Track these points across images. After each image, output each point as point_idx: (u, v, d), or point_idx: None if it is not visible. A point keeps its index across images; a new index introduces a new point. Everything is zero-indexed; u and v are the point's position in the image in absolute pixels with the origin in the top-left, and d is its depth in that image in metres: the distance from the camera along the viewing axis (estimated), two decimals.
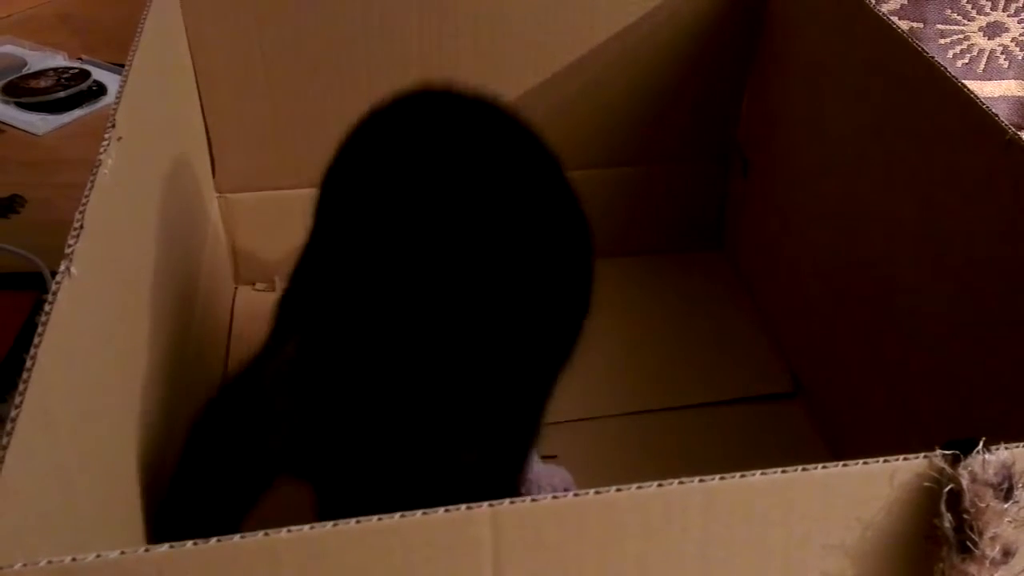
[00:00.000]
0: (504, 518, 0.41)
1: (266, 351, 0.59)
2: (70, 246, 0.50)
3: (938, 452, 0.44)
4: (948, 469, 0.43)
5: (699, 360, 0.94)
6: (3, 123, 1.30)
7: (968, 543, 0.43)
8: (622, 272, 1.06)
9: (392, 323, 0.55)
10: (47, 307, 0.47)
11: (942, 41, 1.15)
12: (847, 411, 0.83)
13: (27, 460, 0.42)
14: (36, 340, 0.45)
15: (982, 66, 1.18)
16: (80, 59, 1.44)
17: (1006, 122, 0.60)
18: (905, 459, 0.44)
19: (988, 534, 0.43)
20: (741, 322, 1.00)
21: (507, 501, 0.41)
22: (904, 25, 1.13)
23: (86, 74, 1.38)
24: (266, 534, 0.39)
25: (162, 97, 0.78)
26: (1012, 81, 1.19)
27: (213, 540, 0.39)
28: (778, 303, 0.98)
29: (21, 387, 0.43)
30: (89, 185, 0.54)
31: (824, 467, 0.43)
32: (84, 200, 0.53)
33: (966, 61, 1.17)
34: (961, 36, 1.15)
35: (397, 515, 0.40)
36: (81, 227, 0.51)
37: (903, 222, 0.73)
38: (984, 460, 0.43)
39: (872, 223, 0.78)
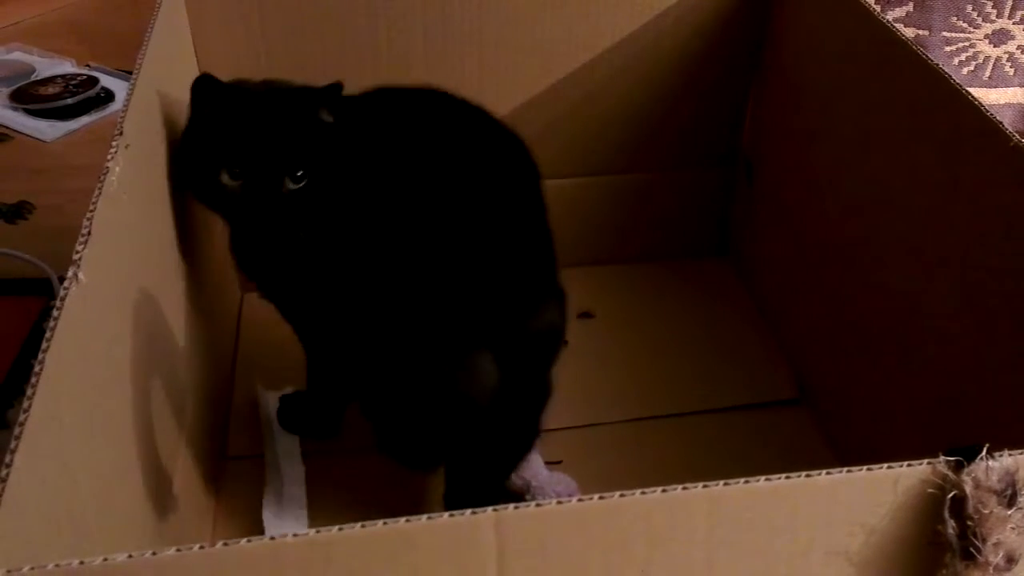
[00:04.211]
0: (508, 523, 0.41)
1: None
2: (78, 252, 0.51)
3: (941, 458, 0.44)
4: (952, 475, 0.43)
5: (704, 366, 0.94)
6: (11, 129, 1.31)
7: (972, 549, 0.43)
8: (627, 279, 1.06)
9: None
10: (55, 313, 0.47)
11: (948, 48, 1.15)
12: (852, 417, 0.83)
13: (35, 464, 0.43)
14: (44, 346, 0.45)
15: (988, 73, 1.18)
16: (88, 66, 1.44)
17: (1010, 128, 0.61)
18: (909, 465, 0.44)
19: (992, 540, 0.43)
20: (746, 328, 1.00)
21: (511, 506, 0.41)
22: (910, 32, 1.13)
23: (94, 81, 1.38)
24: (272, 538, 0.39)
25: (169, 104, 0.79)
26: (1018, 88, 1.19)
27: (219, 544, 0.39)
28: (783, 310, 0.98)
29: (29, 392, 0.43)
30: (96, 192, 0.55)
31: (828, 473, 0.43)
32: (92, 207, 0.54)
33: (972, 68, 1.17)
34: (967, 44, 1.15)
35: (402, 519, 0.40)
36: (89, 234, 0.52)
37: (908, 228, 0.73)
38: (987, 467, 0.43)
39: (876, 229, 0.78)
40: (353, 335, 0.72)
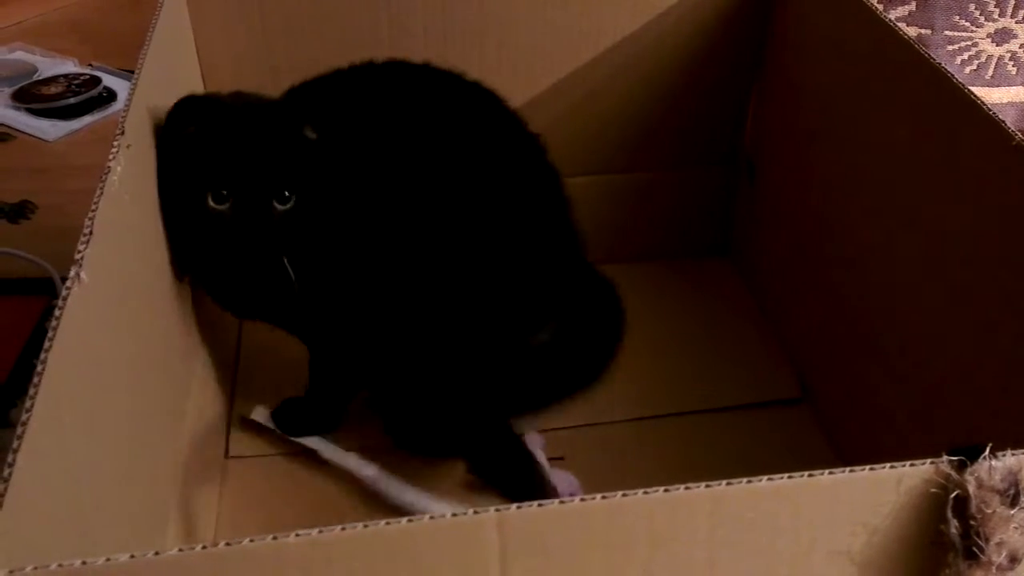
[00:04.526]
0: (511, 522, 0.41)
1: None
2: (80, 252, 0.51)
3: (944, 458, 0.44)
4: (954, 475, 0.43)
5: (706, 366, 0.94)
6: (14, 129, 1.31)
7: (974, 549, 0.43)
8: (629, 278, 1.05)
9: None
10: (57, 312, 0.47)
11: (950, 47, 1.15)
12: (854, 417, 0.83)
13: (37, 464, 0.43)
14: (46, 345, 0.45)
15: (990, 72, 1.17)
16: (90, 65, 1.44)
17: (1013, 128, 0.60)
18: (912, 465, 0.44)
19: (995, 540, 0.43)
20: (748, 328, 1.00)
21: (514, 506, 0.41)
22: (912, 31, 1.13)
23: (96, 80, 1.38)
24: (274, 538, 0.39)
25: (170, 104, 0.79)
26: (1020, 87, 1.19)
27: (221, 544, 0.39)
28: (785, 309, 0.98)
29: (31, 392, 0.43)
30: (98, 192, 0.55)
31: (831, 473, 0.43)
32: (94, 207, 0.54)
33: (974, 67, 1.17)
34: (969, 42, 1.15)
35: (404, 519, 0.40)
36: (91, 233, 0.52)
37: (909, 228, 0.73)
38: (990, 466, 0.43)
39: (878, 228, 0.78)
40: (367, 341, 0.73)
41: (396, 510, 0.76)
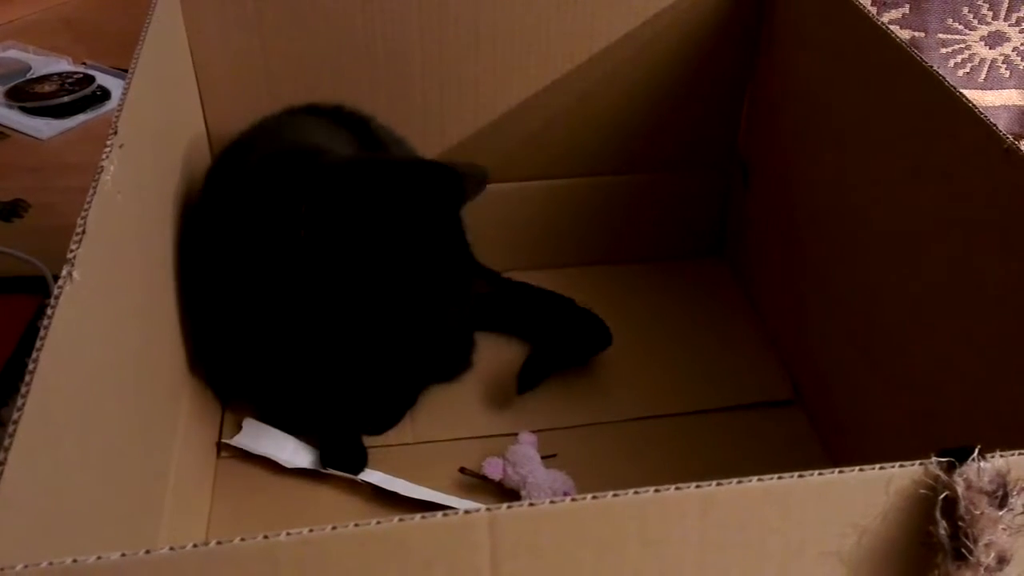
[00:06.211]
0: (502, 523, 0.41)
1: None
2: (72, 251, 0.51)
3: (934, 460, 0.44)
4: (944, 476, 0.44)
5: (699, 367, 0.95)
6: (7, 127, 1.31)
7: (963, 550, 0.44)
8: (623, 279, 1.06)
9: None
10: (49, 311, 0.47)
11: (943, 50, 1.15)
12: (846, 418, 0.83)
13: (29, 463, 0.43)
14: (38, 344, 0.46)
15: (983, 75, 1.18)
16: (84, 64, 1.44)
17: (1005, 131, 0.61)
18: (901, 466, 0.44)
19: (983, 541, 0.43)
20: (741, 329, 1.00)
21: (505, 506, 0.41)
22: (905, 35, 1.14)
23: (90, 79, 1.38)
24: (265, 537, 0.39)
25: (164, 104, 0.79)
26: (1013, 90, 1.20)
27: (213, 543, 0.39)
28: (778, 310, 0.98)
29: (23, 391, 0.43)
30: (91, 191, 0.55)
31: (820, 474, 0.43)
32: (86, 205, 0.54)
33: (967, 70, 1.17)
34: (962, 46, 1.15)
35: (396, 519, 0.40)
36: (83, 232, 0.52)
37: (901, 231, 0.74)
38: (979, 468, 0.43)
39: (871, 231, 0.78)
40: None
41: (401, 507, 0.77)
